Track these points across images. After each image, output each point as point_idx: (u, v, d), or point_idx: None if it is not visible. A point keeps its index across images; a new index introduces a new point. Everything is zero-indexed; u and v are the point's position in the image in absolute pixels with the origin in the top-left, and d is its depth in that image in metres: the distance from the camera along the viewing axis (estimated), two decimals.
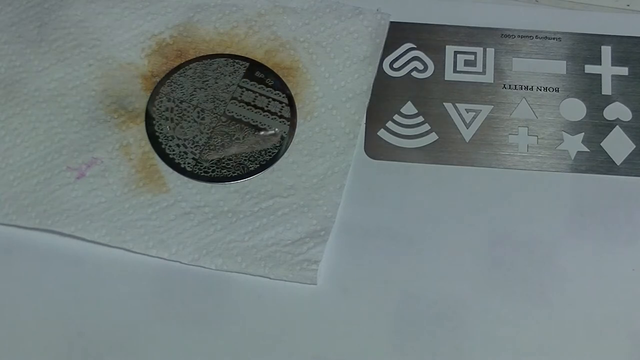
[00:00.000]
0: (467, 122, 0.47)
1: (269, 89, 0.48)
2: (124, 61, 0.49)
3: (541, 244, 0.44)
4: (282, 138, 0.47)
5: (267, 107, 0.48)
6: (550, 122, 0.47)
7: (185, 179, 0.46)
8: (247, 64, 0.49)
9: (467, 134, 0.47)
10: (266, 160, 0.46)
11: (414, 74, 0.49)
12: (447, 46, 0.49)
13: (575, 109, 0.48)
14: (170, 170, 0.46)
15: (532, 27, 0.50)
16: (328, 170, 0.46)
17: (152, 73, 0.48)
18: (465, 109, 0.48)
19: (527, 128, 0.47)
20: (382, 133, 0.47)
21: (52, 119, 0.47)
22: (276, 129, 0.47)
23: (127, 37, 0.49)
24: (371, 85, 0.48)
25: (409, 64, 0.49)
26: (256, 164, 0.46)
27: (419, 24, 0.50)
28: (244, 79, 0.48)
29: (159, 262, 0.44)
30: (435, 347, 0.42)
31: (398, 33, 0.50)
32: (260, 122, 0.47)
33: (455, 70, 0.49)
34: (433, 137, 0.47)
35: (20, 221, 0.45)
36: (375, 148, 0.47)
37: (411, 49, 0.49)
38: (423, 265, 0.44)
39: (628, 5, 0.50)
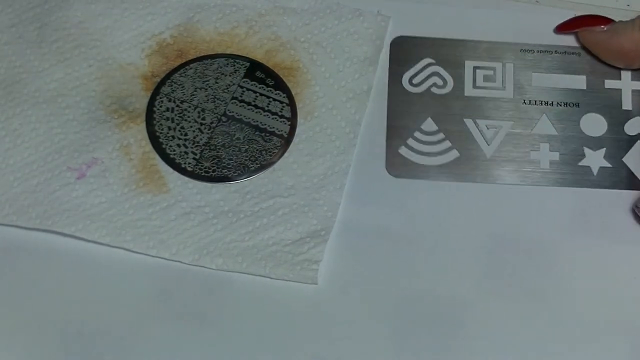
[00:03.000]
0: (488, 139, 0.47)
1: (269, 88, 0.48)
2: (124, 61, 0.49)
3: (542, 244, 0.44)
4: (283, 138, 0.47)
5: (267, 107, 0.48)
6: (572, 138, 0.47)
7: (186, 178, 0.46)
8: (248, 64, 0.49)
9: (489, 150, 0.46)
10: (266, 160, 0.46)
11: (434, 89, 0.48)
12: (466, 61, 0.49)
13: (596, 124, 0.47)
14: (171, 170, 0.46)
15: (551, 42, 0.49)
16: (328, 170, 0.46)
17: (152, 73, 0.48)
18: (486, 125, 0.47)
19: (548, 144, 0.47)
20: (403, 150, 0.46)
21: (52, 120, 0.47)
22: (277, 129, 0.47)
23: (127, 37, 0.49)
24: (372, 85, 0.48)
25: (428, 79, 0.48)
26: (256, 163, 0.46)
27: (438, 38, 0.49)
28: (245, 79, 0.48)
29: (160, 262, 0.44)
30: (435, 347, 0.42)
31: (417, 48, 0.49)
32: (260, 122, 0.47)
33: (474, 86, 0.48)
34: (454, 154, 0.46)
35: (21, 222, 0.44)
36: (396, 166, 0.46)
37: (430, 64, 0.49)
38: (423, 265, 0.44)
39: (628, 6, 0.50)
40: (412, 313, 0.43)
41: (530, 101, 0.48)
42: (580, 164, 0.46)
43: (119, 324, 0.43)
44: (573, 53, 0.49)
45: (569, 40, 0.49)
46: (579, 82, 0.48)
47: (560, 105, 0.48)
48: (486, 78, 0.48)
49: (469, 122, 0.47)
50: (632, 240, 0.44)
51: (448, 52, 0.49)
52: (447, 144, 0.47)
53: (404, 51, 0.49)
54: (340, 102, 0.48)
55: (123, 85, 0.48)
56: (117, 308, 0.43)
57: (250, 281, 0.44)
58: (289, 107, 0.48)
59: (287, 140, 0.47)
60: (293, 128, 0.47)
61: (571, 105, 0.48)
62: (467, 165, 0.46)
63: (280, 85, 0.48)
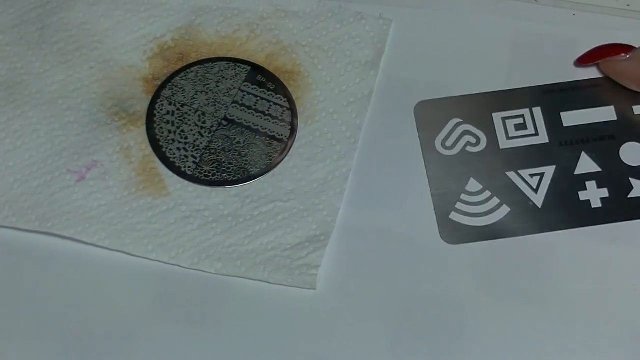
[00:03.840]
0: (535, 188, 0.45)
1: (270, 92, 0.48)
2: (126, 64, 0.49)
3: (543, 245, 0.44)
4: (283, 142, 0.47)
5: (268, 111, 0.47)
6: (616, 171, 0.46)
7: (186, 182, 0.46)
8: (249, 68, 0.49)
9: (538, 199, 0.45)
10: (267, 164, 0.46)
11: (469, 148, 0.47)
12: (493, 114, 0.47)
13: (636, 152, 0.46)
14: (171, 173, 0.46)
15: (570, 76, 0.48)
16: (329, 174, 0.46)
17: (153, 76, 0.48)
18: (529, 174, 0.46)
19: (594, 182, 0.46)
20: (453, 216, 0.45)
21: (53, 122, 0.47)
22: (277, 134, 0.47)
23: (128, 39, 0.49)
24: (373, 89, 0.48)
25: (460, 139, 0.47)
26: (256, 168, 0.46)
27: (460, 96, 0.48)
28: (246, 83, 0.48)
29: (159, 265, 0.44)
30: (436, 352, 0.42)
31: (441, 110, 0.48)
32: (261, 126, 0.47)
33: (508, 137, 0.47)
34: (505, 209, 0.45)
35: (20, 224, 0.44)
36: (451, 232, 0.45)
37: (459, 123, 0.47)
38: (423, 269, 0.44)
39: (628, 5, 0.50)
40: (411, 317, 0.43)
41: (566, 142, 0.46)
42: (630, 196, 0.45)
43: (118, 327, 0.43)
44: (595, 85, 0.48)
45: (587, 72, 0.48)
46: (608, 113, 0.47)
47: (597, 140, 0.46)
48: (517, 127, 0.47)
49: (511, 175, 0.46)
50: (633, 241, 0.44)
51: (473, 109, 0.47)
52: (496, 200, 0.45)
53: (429, 115, 0.47)
54: (341, 106, 0.48)
55: (124, 87, 0.48)
56: (115, 311, 0.43)
57: (250, 285, 0.44)
58: (290, 112, 0.47)
59: (288, 144, 0.47)
60: (293, 132, 0.47)
61: (607, 138, 0.46)
62: (521, 218, 0.45)
63: (281, 89, 0.48)
